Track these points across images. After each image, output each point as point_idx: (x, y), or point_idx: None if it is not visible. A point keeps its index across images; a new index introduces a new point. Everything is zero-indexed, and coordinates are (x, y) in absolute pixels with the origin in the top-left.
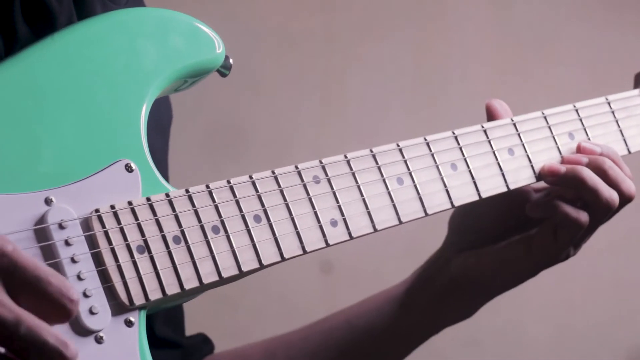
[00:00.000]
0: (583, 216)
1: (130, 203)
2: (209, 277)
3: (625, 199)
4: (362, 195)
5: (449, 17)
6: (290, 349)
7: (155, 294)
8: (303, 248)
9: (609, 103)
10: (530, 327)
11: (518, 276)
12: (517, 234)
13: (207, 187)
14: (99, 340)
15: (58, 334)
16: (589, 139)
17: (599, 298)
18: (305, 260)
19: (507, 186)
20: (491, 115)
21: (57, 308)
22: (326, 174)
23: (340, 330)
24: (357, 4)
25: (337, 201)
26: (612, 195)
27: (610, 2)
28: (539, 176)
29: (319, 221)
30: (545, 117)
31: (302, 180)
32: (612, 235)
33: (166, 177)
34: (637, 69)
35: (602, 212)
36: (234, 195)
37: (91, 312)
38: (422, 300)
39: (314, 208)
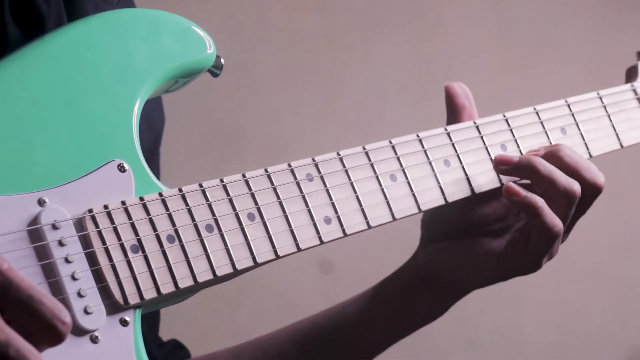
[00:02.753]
0: (558, 224)
1: (123, 203)
2: (204, 275)
3: (590, 187)
4: (355, 192)
5: (449, 17)
6: (255, 349)
7: (150, 293)
8: (297, 245)
9: (600, 98)
10: (530, 328)
11: (482, 279)
12: (484, 228)
13: (200, 185)
14: (94, 340)
15: (42, 358)
16: (581, 134)
17: (599, 298)
18: (305, 261)
19: (500, 182)
20: (450, 98)
21: (49, 329)
22: (319, 172)
23: (305, 331)
24: (357, 4)
25: (331, 198)
26: (570, 183)
27: (610, 1)
28: (494, 165)
29: (312, 219)
30: (537, 113)
31: (295, 178)
32: (612, 235)
33: (158, 177)
34: None
35: (564, 204)
36: (227, 194)
37: (86, 312)
38: (387, 295)
39: (307, 205)
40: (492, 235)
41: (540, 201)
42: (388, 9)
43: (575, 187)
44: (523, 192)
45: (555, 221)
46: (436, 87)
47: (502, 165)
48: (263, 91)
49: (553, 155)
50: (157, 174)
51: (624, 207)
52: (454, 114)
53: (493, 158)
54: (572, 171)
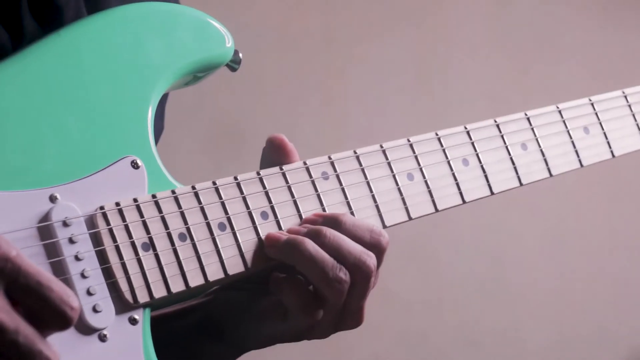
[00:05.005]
0: (307, 306)
1: (135, 200)
2: (215, 274)
3: (358, 273)
4: (371, 191)
5: (449, 16)
6: None
7: (159, 292)
8: None
9: (625, 97)
10: (530, 328)
11: (269, 338)
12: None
13: (214, 183)
14: (102, 338)
15: (51, 345)
16: (604, 133)
17: (599, 298)
18: None
19: (520, 180)
20: (279, 146)
21: (57, 315)
22: (335, 170)
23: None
24: (357, 4)
25: (346, 197)
26: (332, 265)
27: (610, 1)
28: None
29: None
30: (560, 111)
31: (311, 176)
32: (612, 236)
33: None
34: (638, 68)
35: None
36: (241, 192)
37: (95, 310)
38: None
39: (322, 204)
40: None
41: (289, 285)
42: (388, 9)
43: (338, 267)
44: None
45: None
46: (436, 87)
47: (269, 247)
48: (263, 91)
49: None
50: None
51: (624, 207)
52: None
53: (514, 157)
54: (332, 253)
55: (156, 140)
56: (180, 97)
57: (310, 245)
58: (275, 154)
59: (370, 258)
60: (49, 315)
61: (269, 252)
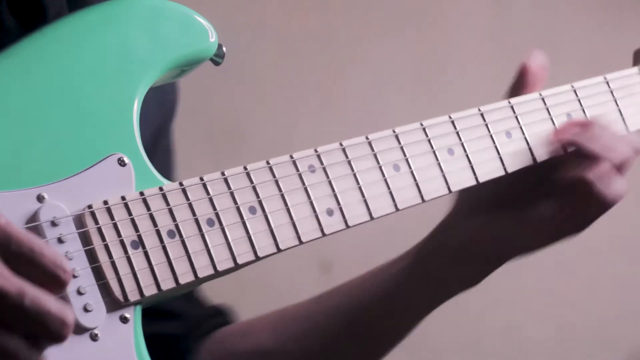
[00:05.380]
0: (610, 195)
1: (123, 198)
2: (205, 270)
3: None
4: (358, 183)
5: (449, 16)
6: (295, 325)
7: (150, 290)
8: (299, 238)
9: (607, 82)
10: (530, 327)
11: (526, 247)
12: (527, 200)
13: (201, 179)
14: (94, 337)
15: (59, 301)
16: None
17: (599, 298)
18: (305, 260)
19: (505, 169)
20: (523, 73)
21: (52, 278)
22: (321, 163)
23: (344, 308)
24: (357, 4)
25: (333, 190)
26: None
27: (610, 2)
28: (534, 157)
29: (314, 211)
30: (542, 99)
31: (297, 169)
32: (613, 235)
33: (169, 151)
34: None
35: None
36: (229, 187)
37: (85, 310)
38: (432, 267)
39: (309, 197)
40: (534, 203)
41: (589, 176)
42: (388, 8)
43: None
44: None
45: (608, 191)
46: (436, 87)
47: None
48: (263, 90)
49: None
50: (167, 150)
51: (624, 207)
52: (517, 87)
53: (498, 145)
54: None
55: (173, 108)
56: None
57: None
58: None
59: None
60: (43, 279)
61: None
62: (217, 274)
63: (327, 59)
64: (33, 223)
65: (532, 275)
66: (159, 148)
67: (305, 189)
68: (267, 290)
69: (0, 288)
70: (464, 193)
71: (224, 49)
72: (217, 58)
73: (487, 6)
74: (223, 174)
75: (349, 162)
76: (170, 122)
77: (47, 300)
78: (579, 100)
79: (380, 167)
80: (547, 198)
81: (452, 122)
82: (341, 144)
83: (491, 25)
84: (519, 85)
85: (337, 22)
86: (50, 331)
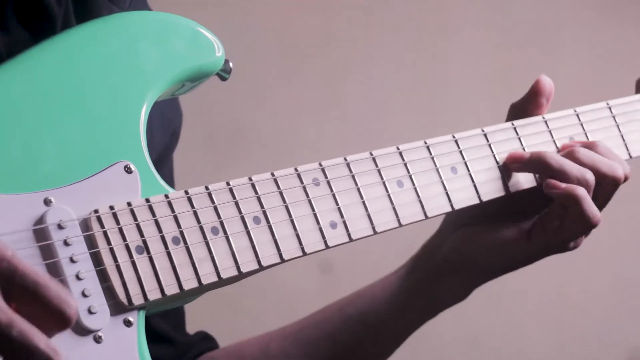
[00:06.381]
0: (597, 214)
1: (129, 204)
2: (208, 277)
3: (610, 180)
4: (361, 197)
5: (449, 17)
6: (284, 340)
7: (154, 294)
8: (302, 250)
9: (609, 108)
10: (530, 328)
11: (512, 261)
12: (516, 217)
13: (207, 188)
14: (97, 339)
15: (48, 340)
16: None
17: (599, 298)
18: (305, 261)
19: (508, 189)
20: (535, 91)
21: (56, 313)
22: (326, 177)
23: (333, 320)
24: (357, 4)
25: (337, 203)
26: (583, 173)
27: (610, 2)
28: (503, 166)
29: (318, 223)
30: (545, 122)
31: (302, 182)
32: (612, 235)
33: (171, 176)
34: (638, 70)
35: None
36: (234, 197)
37: (90, 312)
38: (419, 282)
39: (313, 210)
40: (521, 218)
41: (580, 191)
42: (388, 9)
43: (588, 175)
44: (562, 184)
45: (594, 211)
46: (436, 88)
47: (515, 163)
48: (264, 92)
49: (565, 151)
50: (170, 175)
51: (623, 207)
52: (527, 105)
53: (502, 165)
54: (586, 164)
55: (177, 132)
56: (180, 98)
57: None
58: (527, 96)
59: (619, 168)
60: (48, 314)
61: (513, 168)
62: (221, 281)
63: (327, 59)
64: (40, 225)
65: (532, 275)
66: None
67: (310, 202)
68: (268, 290)
69: None
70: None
71: (231, 64)
72: (224, 73)
73: (488, 7)
74: (228, 183)
75: (353, 177)
76: (173, 149)
77: (36, 336)
78: (582, 125)
79: (384, 183)
80: (537, 212)
81: (456, 141)
82: (345, 159)
83: (491, 25)
84: (529, 103)
85: (337, 22)
86: None
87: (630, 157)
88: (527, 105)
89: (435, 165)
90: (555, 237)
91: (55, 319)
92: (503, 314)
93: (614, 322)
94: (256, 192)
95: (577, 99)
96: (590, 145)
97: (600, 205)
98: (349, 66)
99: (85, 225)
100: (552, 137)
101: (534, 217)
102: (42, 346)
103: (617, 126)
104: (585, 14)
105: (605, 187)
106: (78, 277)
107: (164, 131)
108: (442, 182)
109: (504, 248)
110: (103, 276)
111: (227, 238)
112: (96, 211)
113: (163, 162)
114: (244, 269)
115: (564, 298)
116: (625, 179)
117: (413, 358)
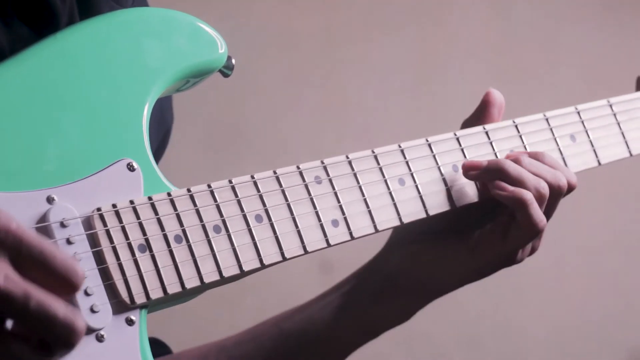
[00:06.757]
0: (544, 219)
1: (132, 202)
2: (210, 276)
3: (554, 190)
4: (363, 195)
5: (449, 17)
6: (221, 353)
7: (156, 293)
8: (304, 248)
9: (610, 105)
10: (530, 327)
11: (458, 277)
12: (461, 232)
13: (209, 186)
14: (99, 338)
15: (67, 306)
16: (590, 141)
17: (599, 298)
18: (305, 261)
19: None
20: (485, 104)
21: (64, 280)
22: (328, 174)
23: (270, 335)
24: (357, 4)
25: (339, 201)
26: (539, 182)
27: (610, 2)
28: (463, 171)
29: (320, 221)
30: (547, 119)
31: (304, 180)
32: (612, 235)
33: None
34: (637, 70)
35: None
36: (236, 195)
37: (92, 311)
38: (357, 304)
39: (315, 208)
40: (467, 232)
41: (528, 195)
42: (389, 8)
43: (542, 184)
44: (510, 187)
45: (540, 216)
46: (436, 87)
47: (471, 171)
48: (263, 91)
49: (517, 160)
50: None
51: (623, 207)
52: (478, 118)
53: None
54: (538, 175)
55: (169, 131)
56: (180, 97)
57: (512, 163)
58: (478, 110)
59: (563, 178)
60: (56, 282)
61: (469, 176)
62: (223, 280)
63: (327, 59)
64: (43, 223)
65: (532, 275)
66: None
67: (311, 200)
68: (267, 290)
69: (6, 290)
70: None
71: (233, 61)
72: (226, 70)
73: (488, 7)
74: (230, 181)
75: (355, 175)
76: (165, 147)
77: (54, 304)
78: (583, 122)
79: (385, 181)
80: (476, 228)
81: (457, 139)
82: (347, 157)
83: (491, 25)
84: (480, 115)
85: (337, 22)
86: (57, 337)
87: (631, 154)
88: (478, 119)
89: (437, 163)
90: (502, 248)
91: (62, 285)
92: (503, 314)
93: (614, 322)
94: (258, 190)
95: (577, 98)
96: (535, 155)
97: (546, 215)
98: (350, 65)
99: (87, 223)
100: (553, 135)
101: (479, 232)
102: (62, 313)
103: (618, 124)
104: (585, 14)
105: (550, 197)
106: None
107: (159, 129)
108: (444, 179)
109: (449, 267)
110: (105, 275)
111: (229, 236)
112: (99, 209)
113: (156, 160)
114: (245, 268)
115: (564, 298)
116: (571, 189)
117: (413, 358)
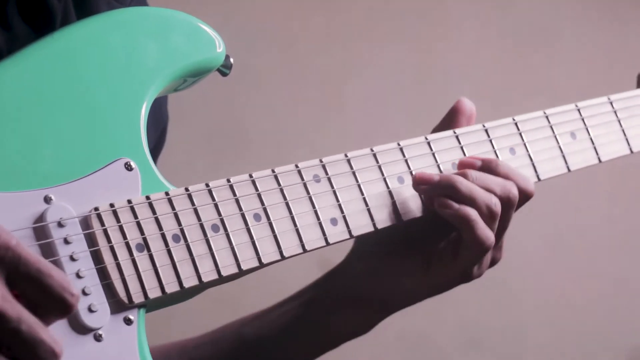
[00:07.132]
0: (491, 237)
1: (129, 201)
2: (209, 275)
3: (507, 204)
4: (362, 194)
5: (449, 17)
6: (182, 354)
7: (154, 292)
8: (303, 247)
9: (611, 103)
10: (530, 328)
11: (414, 294)
12: (417, 246)
13: (207, 185)
14: (97, 338)
15: (52, 333)
16: (590, 138)
17: (599, 298)
18: (304, 260)
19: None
20: (455, 112)
21: (58, 302)
22: (326, 173)
23: (229, 340)
24: (357, 4)
25: (337, 200)
26: (490, 199)
27: (610, 2)
28: (413, 183)
29: (318, 219)
30: (547, 117)
31: (302, 179)
32: (612, 236)
33: None
34: (638, 67)
35: (487, 219)
36: (234, 194)
37: (90, 310)
38: (315, 315)
39: (314, 207)
40: (422, 247)
41: (473, 213)
42: (389, 8)
43: (494, 200)
44: (455, 205)
45: (487, 233)
46: (437, 87)
47: (422, 185)
48: (264, 91)
49: (464, 175)
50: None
51: (624, 207)
52: (446, 126)
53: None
54: (489, 190)
55: (164, 130)
56: (179, 96)
57: (463, 179)
58: (447, 117)
59: (513, 189)
60: (50, 302)
61: (419, 190)
62: (221, 279)
63: (327, 58)
64: (40, 223)
65: (532, 275)
66: None
67: (310, 198)
68: (267, 290)
69: (1, 311)
70: (360, 238)
71: (232, 59)
72: (225, 69)
73: (488, 6)
74: (229, 180)
75: (354, 173)
76: (162, 146)
77: (41, 330)
78: (583, 120)
79: (384, 179)
80: (428, 246)
81: (457, 137)
82: (346, 155)
83: (491, 25)
84: (449, 123)
85: (337, 22)
86: (40, 358)
87: (632, 152)
88: (446, 127)
89: (436, 161)
90: (454, 266)
91: (56, 306)
92: (503, 314)
93: (614, 322)
94: (257, 189)
95: (577, 97)
96: (488, 165)
97: (501, 228)
98: (350, 65)
99: (85, 223)
100: (554, 132)
101: (433, 249)
102: (47, 339)
103: (619, 121)
104: (585, 13)
105: (502, 210)
106: (78, 276)
107: (155, 128)
108: None
109: (406, 284)
110: (103, 274)
111: (228, 235)
112: (96, 209)
113: (154, 159)
114: (244, 267)
115: (564, 298)
116: (526, 198)
117: (413, 358)
